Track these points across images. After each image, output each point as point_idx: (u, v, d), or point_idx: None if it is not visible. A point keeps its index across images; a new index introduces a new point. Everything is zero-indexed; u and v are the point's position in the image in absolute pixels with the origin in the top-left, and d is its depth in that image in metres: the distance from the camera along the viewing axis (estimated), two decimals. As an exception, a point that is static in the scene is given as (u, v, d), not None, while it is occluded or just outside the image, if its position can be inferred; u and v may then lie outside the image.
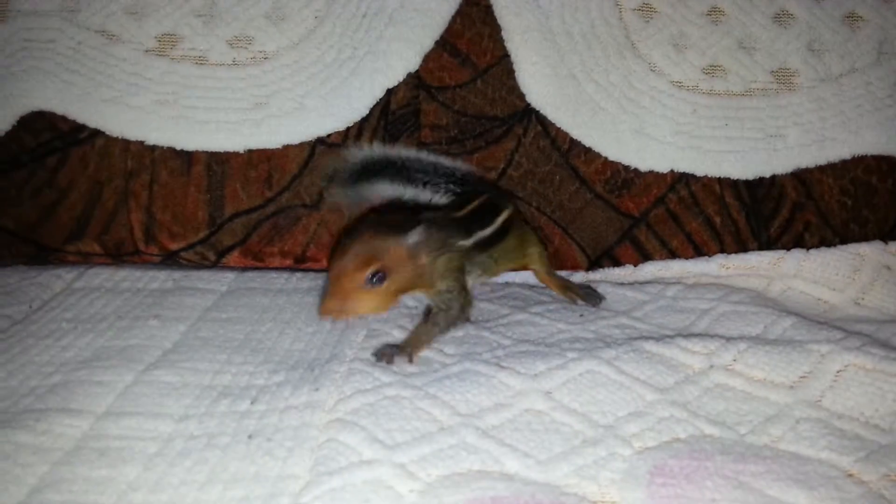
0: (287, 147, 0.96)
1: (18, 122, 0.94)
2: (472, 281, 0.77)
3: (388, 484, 0.53)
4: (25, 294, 0.86)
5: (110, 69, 0.94)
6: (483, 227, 0.76)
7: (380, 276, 0.67)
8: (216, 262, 0.98)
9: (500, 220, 0.78)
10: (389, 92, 0.95)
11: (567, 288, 0.87)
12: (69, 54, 0.94)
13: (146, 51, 0.95)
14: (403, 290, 0.70)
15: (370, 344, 0.74)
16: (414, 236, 0.68)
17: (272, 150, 0.96)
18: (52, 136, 0.95)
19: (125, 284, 0.90)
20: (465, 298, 0.74)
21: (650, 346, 0.73)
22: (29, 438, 0.57)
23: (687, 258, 0.96)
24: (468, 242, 0.75)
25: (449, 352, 0.73)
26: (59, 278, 0.90)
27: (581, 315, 0.83)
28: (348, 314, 0.68)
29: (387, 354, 0.70)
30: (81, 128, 0.95)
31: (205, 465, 0.56)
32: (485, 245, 0.76)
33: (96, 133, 0.95)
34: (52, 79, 0.94)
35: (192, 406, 0.63)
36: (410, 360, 0.70)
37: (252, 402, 0.64)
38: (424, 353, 0.73)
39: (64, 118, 0.94)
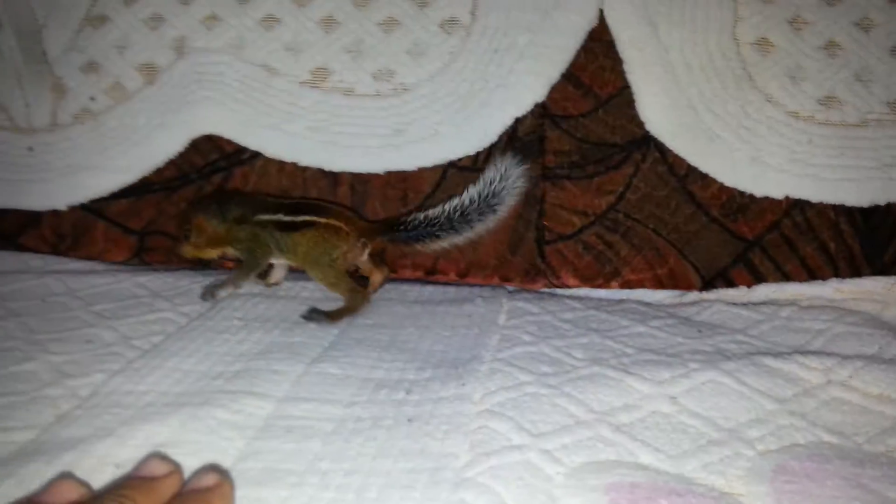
0: (422, 169, 1.06)
1: (190, 144, 1.08)
2: (275, 252, 0.99)
3: (538, 466, 0.60)
4: (196, 294, 0.98)
5: (270, 99, 1.06)
6: (285, 214, 0.96)
7: (188, 235, 0.97)
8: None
9: (300, 217, 0.96)
10: (517, 120, 1.04)
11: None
12: (235, 86, 1.07)
13: (301, 83, 1.06)
14: (210, 245, 0.98)
15: (504, 346, 0.82)
16: (204, 212, 0.97)
17: (408, 171, 1.06)
18: (218, 157, 1.08)
19: (281, 292, 1.01)
20: (258, 256, 0.98)
21: (768, 361, 0.78)
22: (227, 416, 0.67)
23: (801, 282, 1.00)
24: (263, 218, 0.96)
25: (577, 356, 0.80)
26: (224, 283, 1.02)
27: (699, 331, 0.88)
28: (183, 255, 0.99)
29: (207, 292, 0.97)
30: (243, 150, 1.07)
31: (374, 441, 0.64)
32: (280, 227, 0.96)
33: (256, 154, 1.07)
34: (220, 107, 1.07)
35: (356, 394, 0.72)
36: (213, 297, 0.96)
37: (407, 393, 0.72)
38: (552, 354, 0.80)
39: (229, 141, 1.07)
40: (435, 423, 0.67)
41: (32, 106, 1.11)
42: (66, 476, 0.57)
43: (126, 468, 0.60)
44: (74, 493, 0.53)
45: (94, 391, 0.73)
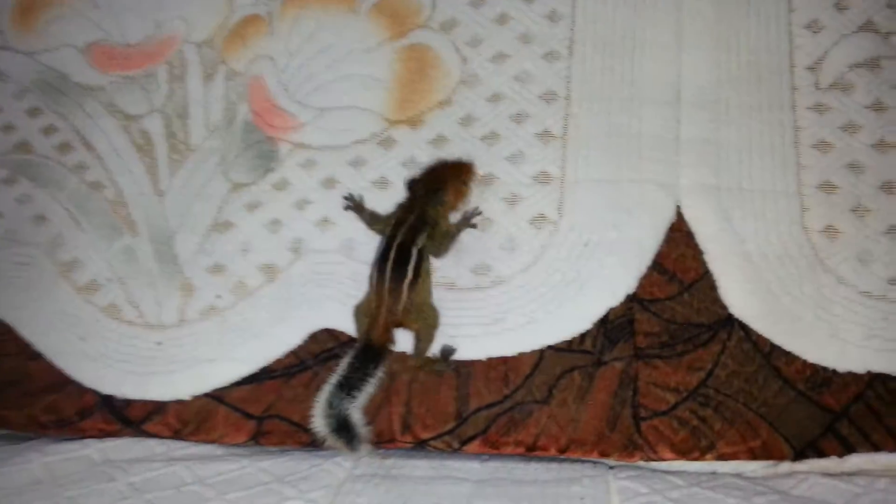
0: (521, 353, 1.14)
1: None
2: None
3: None
4: (320, 480, 1.05)
5: (379, 293, 1.18)
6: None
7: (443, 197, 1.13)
8: (458, 449, 1.15)
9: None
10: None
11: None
12: (347, 283, 1.18)
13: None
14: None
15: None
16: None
17: (508, 356, 1.15)
18: (334, 345, 1.18)
19: (394, 472, 1.08)
20: None
21: (881, 541, 0.82)
22: None
23: (890, 451, 1.05)
24: None
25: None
26: (340, 466, 1.09)
27: (803, 509, 0.93)
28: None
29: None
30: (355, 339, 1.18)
31: None
32: None
33: (367, 343, 1.17)
34: (333, 302, 1.18)
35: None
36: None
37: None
38: None
39: (343, 332, 1.18)
40: None
41: (163, 304, 1.23)
42: None
43: None
44: None
45: (259, 589, 0.79)
